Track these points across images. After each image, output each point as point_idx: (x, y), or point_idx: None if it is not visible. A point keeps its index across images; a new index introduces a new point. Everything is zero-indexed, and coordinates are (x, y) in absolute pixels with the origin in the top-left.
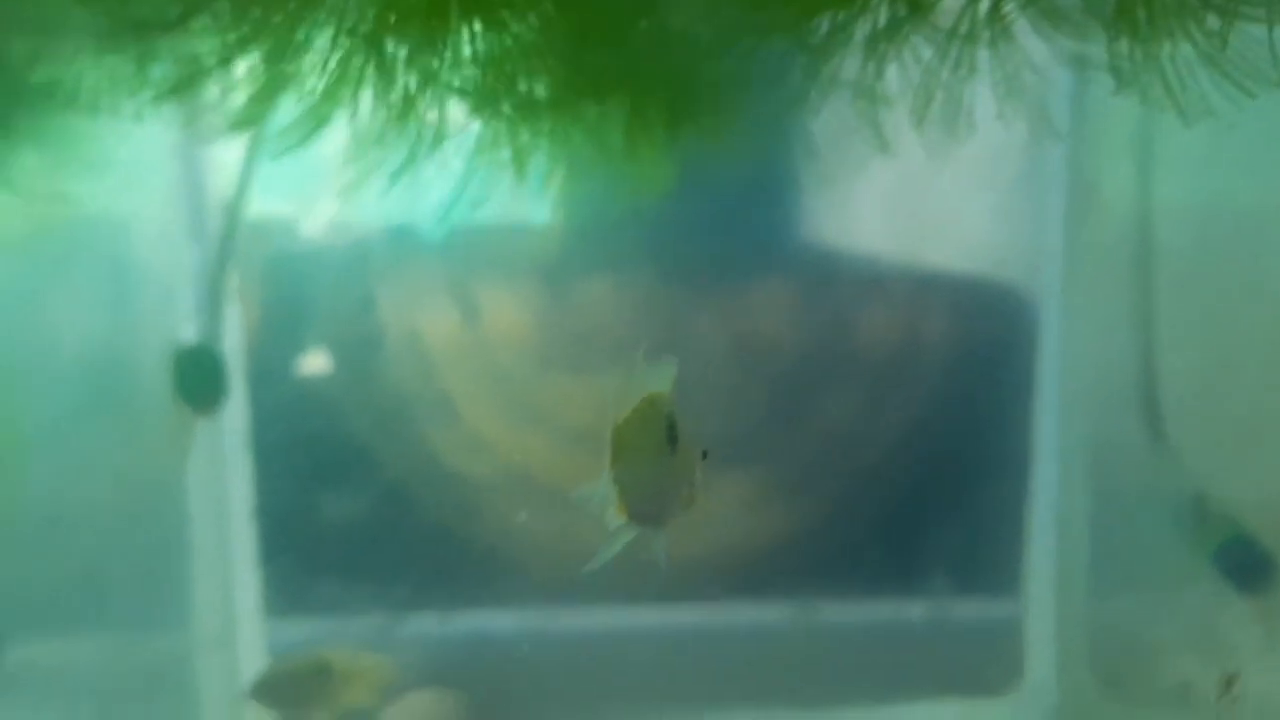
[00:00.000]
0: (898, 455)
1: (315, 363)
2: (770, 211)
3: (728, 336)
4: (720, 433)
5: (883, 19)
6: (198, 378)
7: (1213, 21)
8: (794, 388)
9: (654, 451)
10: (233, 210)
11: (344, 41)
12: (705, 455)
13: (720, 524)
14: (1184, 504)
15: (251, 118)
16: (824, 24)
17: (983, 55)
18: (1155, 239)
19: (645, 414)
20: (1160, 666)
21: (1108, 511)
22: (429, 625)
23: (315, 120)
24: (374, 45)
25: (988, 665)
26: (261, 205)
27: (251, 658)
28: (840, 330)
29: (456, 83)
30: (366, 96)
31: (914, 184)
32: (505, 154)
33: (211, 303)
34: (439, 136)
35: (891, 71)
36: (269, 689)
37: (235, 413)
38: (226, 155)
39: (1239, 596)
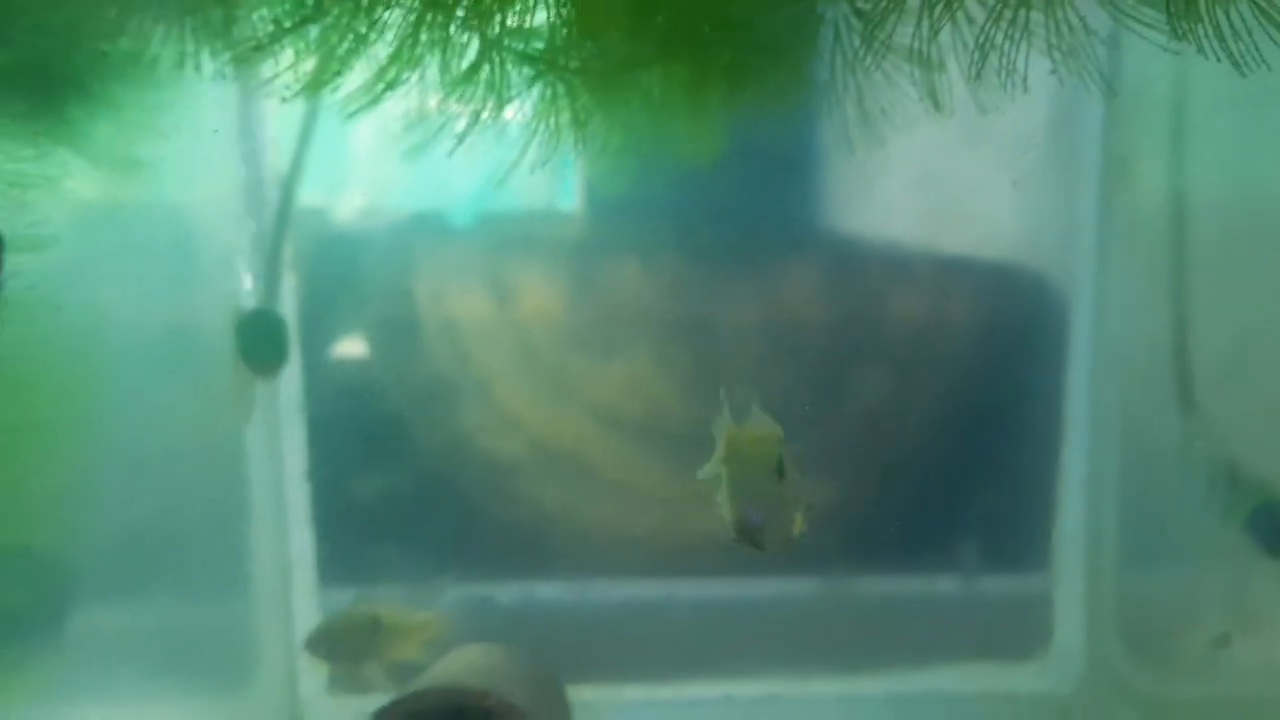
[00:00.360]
0: (931, 429)
1: (362, 338)
2: (807, 185)
3: (760, 313)
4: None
5: None
6: (260, 342)
7: None
8: (827, 364)
9: (761, 484)
10: (289, 182)
11: (414, 4)
12: (809, 508)
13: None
14: (1216, 470)
15: (324, 79)
16: None
17: (1036, 18)
18: (1189, 212)
19: (759, 447)
20: (1189, 633)
21: (1138, 480)
22: (471, 592)
23: (384, 83)
24: (442, 8)
25: (1017, 630)
26: (311, 191)
27: (306, 615)
28: (872, 304)
29: (522, 45)
30: (433, 59)
31: (951, 158)
32: (565, 118)
33: (269, 272)
34: (502, 100)
35: (943, 36)
36: (322, 642)
37: (290, 378)
38: (283, 130)
39: (1272, 560)
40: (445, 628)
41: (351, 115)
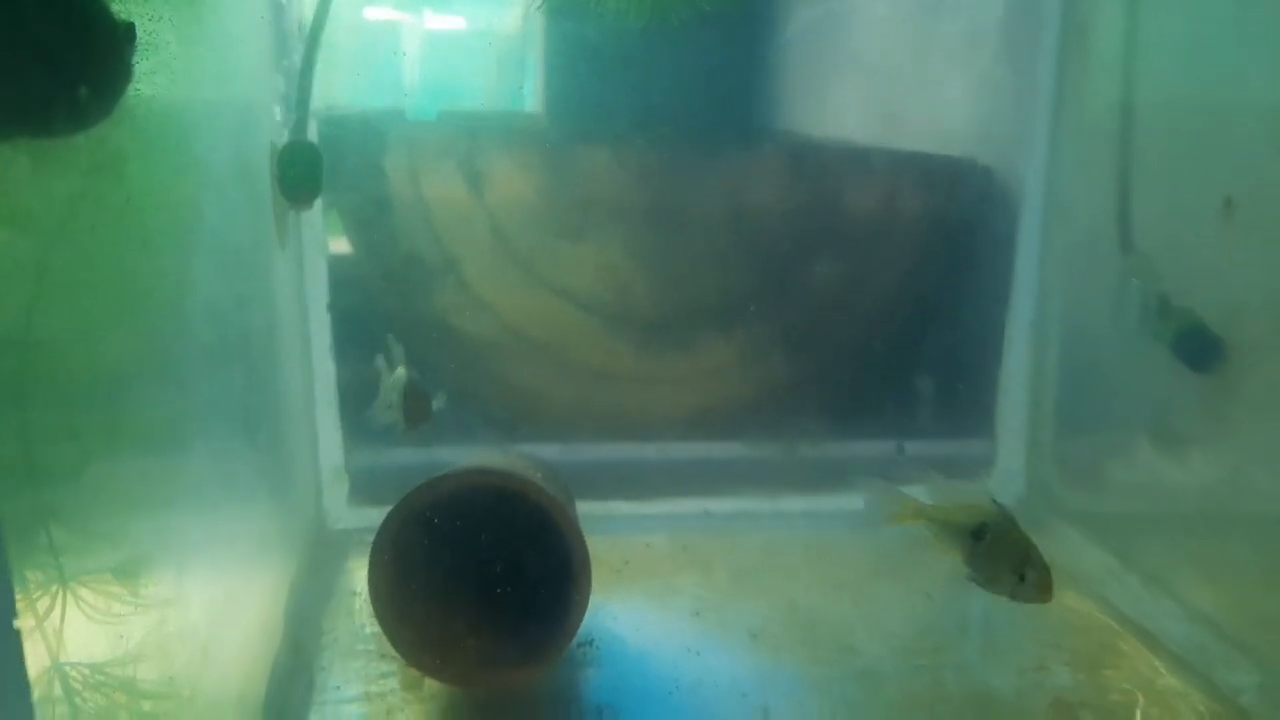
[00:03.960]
0: (899, 285)
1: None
2: (768, 80)
3: (725, 202)
4: (723, 293)
5: None
6: (297, 172)
7: None
8: (794, 242)
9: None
10: (314, 32)
11: None
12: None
13: (721, 377)
14: (1148, 301)
15: None
16: None
17: None
18: (1139, 80)
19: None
20: (1118, 456)
21: (1079, 320)
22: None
23: None
24: None
25: (964, 455)
26: None
27: (329, 434)
28: (840, 171)
29: None
30: None
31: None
32: None
33: (299, 108)
34: None
35: None
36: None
37: (313, 219)
38: None
39: (1194, 376)
40: None
41: None
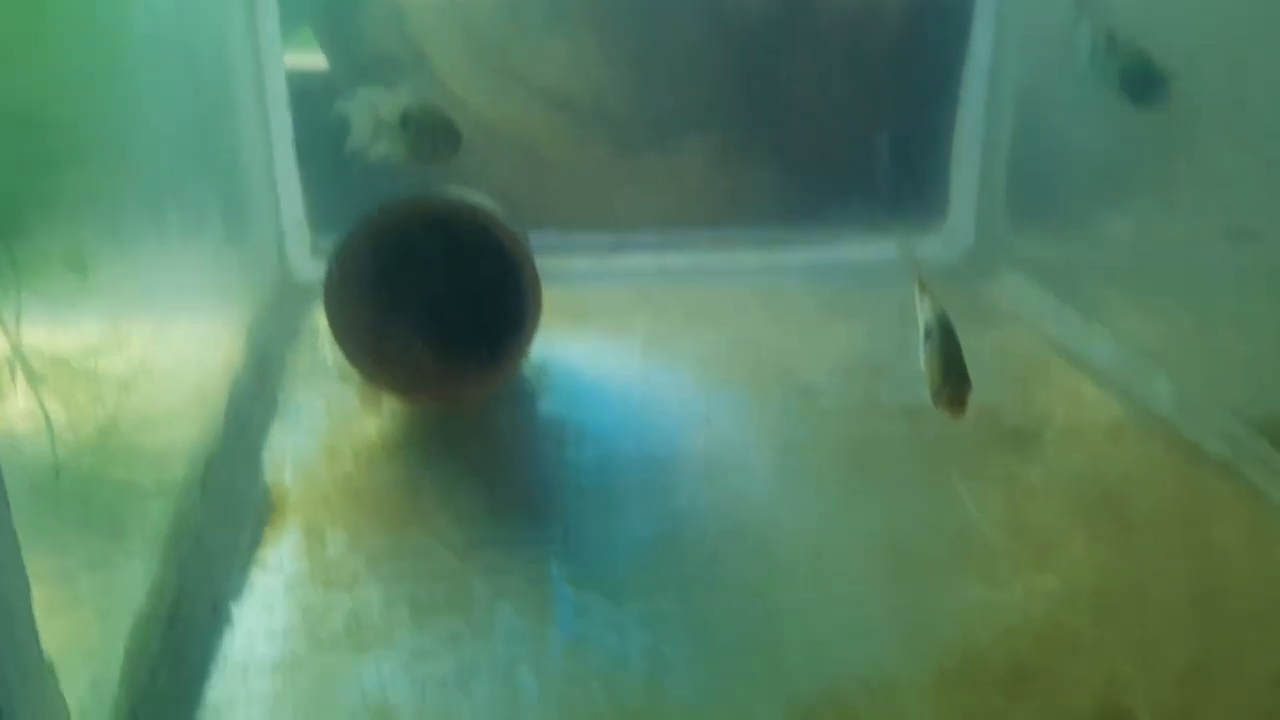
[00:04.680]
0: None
1: None
2: None
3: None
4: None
5: None
6: None
7: None
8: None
9: None
10: None
11: None
12: None
13: (695, 173)
14: (1097, 40)
15: None
16: None
17: None
18: None
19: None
20: (1064, 206)
21: (1033, 75)
22: None
23: None
24: None
25: (917, 212)
26: None
27: (289, 187)
28: None
29: None
30: None
31: None
32: None
33: None
34: None
35: None
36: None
37: None
38: None
39: (1138, 110)
40: None
41: None
